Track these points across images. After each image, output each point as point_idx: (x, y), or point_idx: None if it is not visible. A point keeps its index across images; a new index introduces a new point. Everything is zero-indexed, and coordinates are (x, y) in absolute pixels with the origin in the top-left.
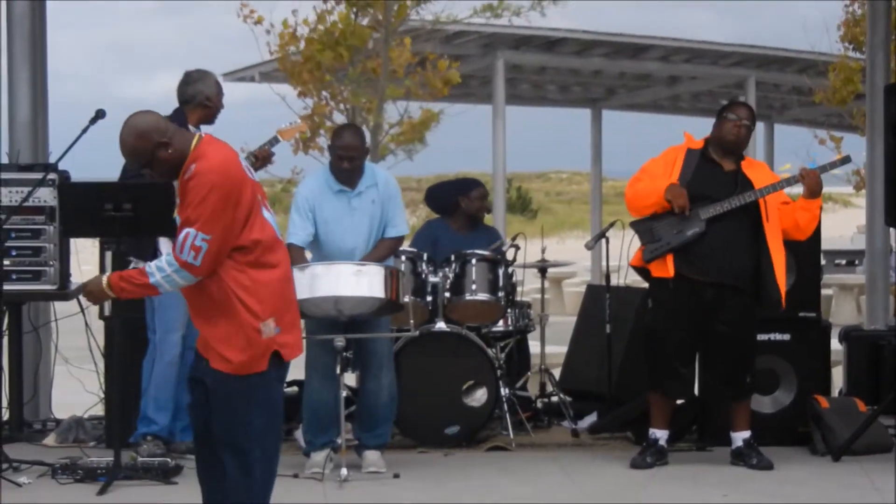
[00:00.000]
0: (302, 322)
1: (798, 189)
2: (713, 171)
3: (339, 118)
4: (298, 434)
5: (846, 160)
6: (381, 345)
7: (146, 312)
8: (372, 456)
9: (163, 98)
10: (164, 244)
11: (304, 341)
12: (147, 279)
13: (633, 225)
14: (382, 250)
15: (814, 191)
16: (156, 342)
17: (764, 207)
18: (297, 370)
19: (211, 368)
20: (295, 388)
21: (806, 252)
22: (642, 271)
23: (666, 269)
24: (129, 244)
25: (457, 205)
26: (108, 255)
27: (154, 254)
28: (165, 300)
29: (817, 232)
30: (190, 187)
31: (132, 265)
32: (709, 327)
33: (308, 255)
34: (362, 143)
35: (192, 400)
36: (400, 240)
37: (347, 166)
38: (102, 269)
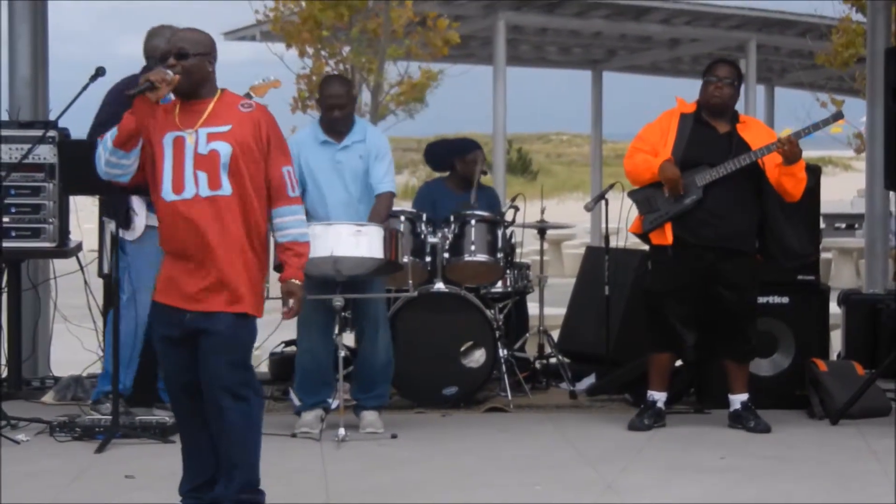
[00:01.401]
0: None
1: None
2: (708, 135)
3: None
4: (293, 394)
5: (838, 115)
6: (375, 305)
7: (119, 271)
8: (370, 416)
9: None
10: (138, 204)
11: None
12: (307, 243)
13: (631, 195)
14: (382, 208)
15: (789, 158)
16: (125, 301)
17: (763, 167)
18: (292, 331)
19: (225, 313)
20: (294, 348)
21: (805, 215)
22: (642, 237)
23: (665, 237)
24: (105, 204)
25: (453, 165)
26: None
27: (127, 214)
28: (140, 259)
29: (816, 195)
30: (266, 123)
31: (106, 225)
32: (710, 290)
33: None
34: (349, 92)
35: (179, 361)
36: (390, 195)
37: (338, 114)
38: (103, 229)
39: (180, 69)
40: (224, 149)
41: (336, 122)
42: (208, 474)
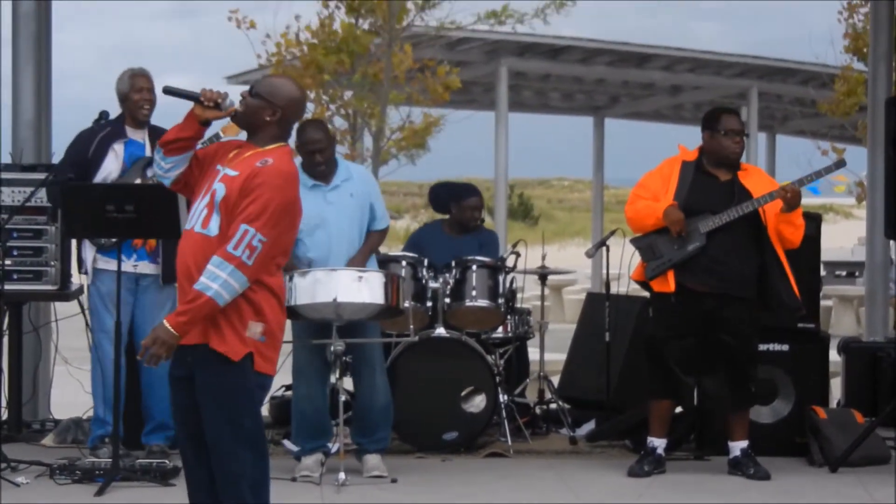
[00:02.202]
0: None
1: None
2: (710, 183)
3: (340, 122)
4: (287, 442)
5: (841, 164)
6: (371, 347)
7: (90, 313)
8: (373, 460)
9: (168, 100)
10: (87, 248)
11: (293, 345)
12: (203, 296)
13: (634, 242)
14: (372, 245)
15: (790, 204)
16: (96, 343)
17: (764, 216)
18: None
19: (202, 347)
20: (291, 393)
21: (805, 263)
22: (644, 284)
23: (667, 284)
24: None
25: (451, 208)
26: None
27: (80, 258)
28: (95, 299)
29: (817, 242)
30: (259, 183)
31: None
32: (711, 337)
33: None
34: (327, 135)
35: (182, 401)
36: (385, 232)
37: (320, 159)
38: None
39: (243, 104)
40: (220, 190)
41: (318, 167)
42: None
